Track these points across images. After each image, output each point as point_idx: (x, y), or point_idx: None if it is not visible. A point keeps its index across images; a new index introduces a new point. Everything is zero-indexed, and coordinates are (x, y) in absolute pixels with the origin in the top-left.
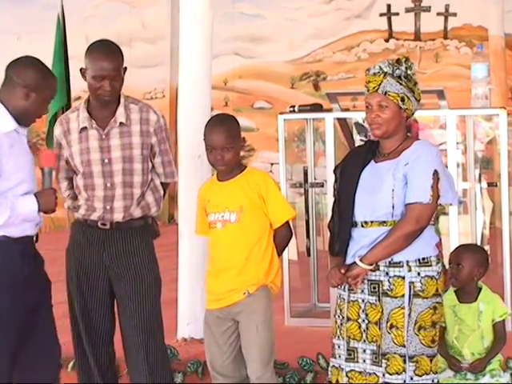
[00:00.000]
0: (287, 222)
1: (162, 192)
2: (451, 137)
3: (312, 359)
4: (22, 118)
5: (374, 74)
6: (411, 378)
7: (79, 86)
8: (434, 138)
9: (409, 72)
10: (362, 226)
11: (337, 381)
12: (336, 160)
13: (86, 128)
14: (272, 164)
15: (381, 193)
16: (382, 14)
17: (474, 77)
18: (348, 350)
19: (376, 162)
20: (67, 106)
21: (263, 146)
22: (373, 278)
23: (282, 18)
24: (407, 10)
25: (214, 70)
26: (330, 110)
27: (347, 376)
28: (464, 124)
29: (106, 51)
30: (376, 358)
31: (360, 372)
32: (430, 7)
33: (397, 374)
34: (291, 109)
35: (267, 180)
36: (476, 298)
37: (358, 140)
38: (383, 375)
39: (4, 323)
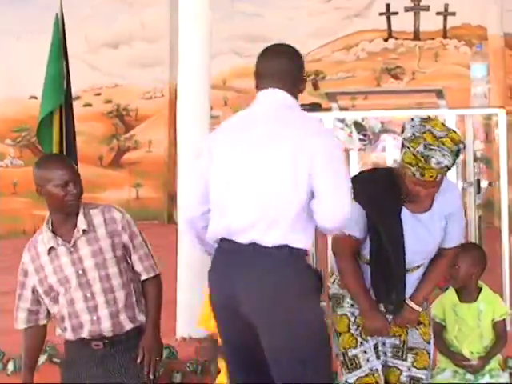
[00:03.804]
0: None
1: (151, 295)
2: None
3: None
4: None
5: (438, 168)
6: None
7: (78, 86)
8: None
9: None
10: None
11: None
12: None
13: (53, 248)
14: None
15: (432, 244)
16: (381, 14)
17: (473, 76)
18: (350, 359)
19: (413, 212)
20: (66, 106)
21: None
22: None
23: (281, 18)
24: (406, 10)
25: (213, 69)
26: (328, 110)
27: None
28: (463, 123)
29: (61, 159)
30: (398, 351)
31: (366, 375)
32: (429, 6)
33: (424, 369)
34: None
35: None
36: (476, 298)
37: (357, 139)
38: (408, 369)
39: None
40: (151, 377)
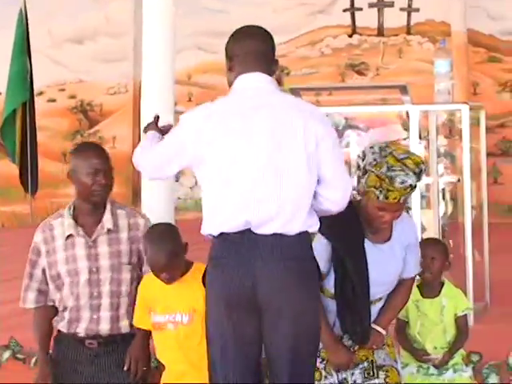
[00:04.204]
0: None
1: None
2: (414, 132)
3: None
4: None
5: (403, 188)
6: None
7: (41, 82)
8: (399, 134)
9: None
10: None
11: None
12: None
13: (71, 235)
14: None
15: (393, 275)
16: (345, 10)
17: (437, 72)
18: None
19: (373, 243)
20: (30, 101)
21: None
22: None
23: (245, 13)
24: (370, 6)
25: (178, 64)
26: None
27: None
28: (427, 119)
29: (97, 149)
30: (369, 373)
31: None
32: (393, 2)
33: None
34: None
35: None
36: (439, 293)
37: None
38: None
39: None
40: None
